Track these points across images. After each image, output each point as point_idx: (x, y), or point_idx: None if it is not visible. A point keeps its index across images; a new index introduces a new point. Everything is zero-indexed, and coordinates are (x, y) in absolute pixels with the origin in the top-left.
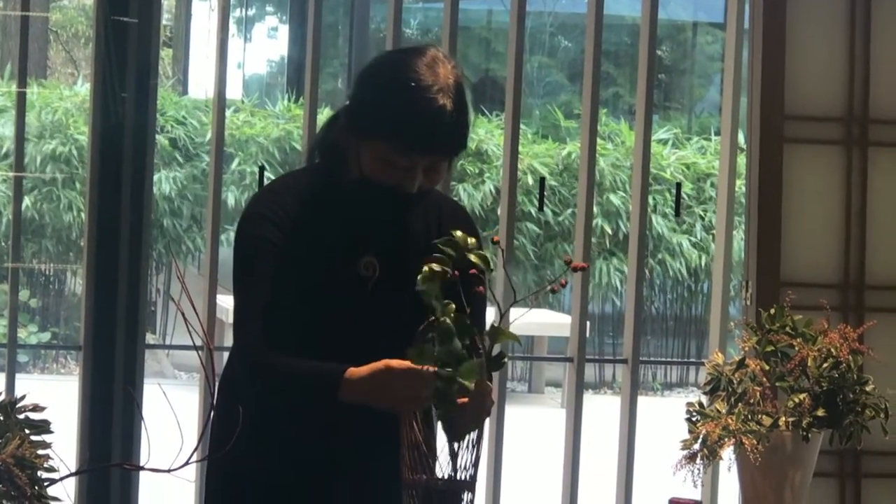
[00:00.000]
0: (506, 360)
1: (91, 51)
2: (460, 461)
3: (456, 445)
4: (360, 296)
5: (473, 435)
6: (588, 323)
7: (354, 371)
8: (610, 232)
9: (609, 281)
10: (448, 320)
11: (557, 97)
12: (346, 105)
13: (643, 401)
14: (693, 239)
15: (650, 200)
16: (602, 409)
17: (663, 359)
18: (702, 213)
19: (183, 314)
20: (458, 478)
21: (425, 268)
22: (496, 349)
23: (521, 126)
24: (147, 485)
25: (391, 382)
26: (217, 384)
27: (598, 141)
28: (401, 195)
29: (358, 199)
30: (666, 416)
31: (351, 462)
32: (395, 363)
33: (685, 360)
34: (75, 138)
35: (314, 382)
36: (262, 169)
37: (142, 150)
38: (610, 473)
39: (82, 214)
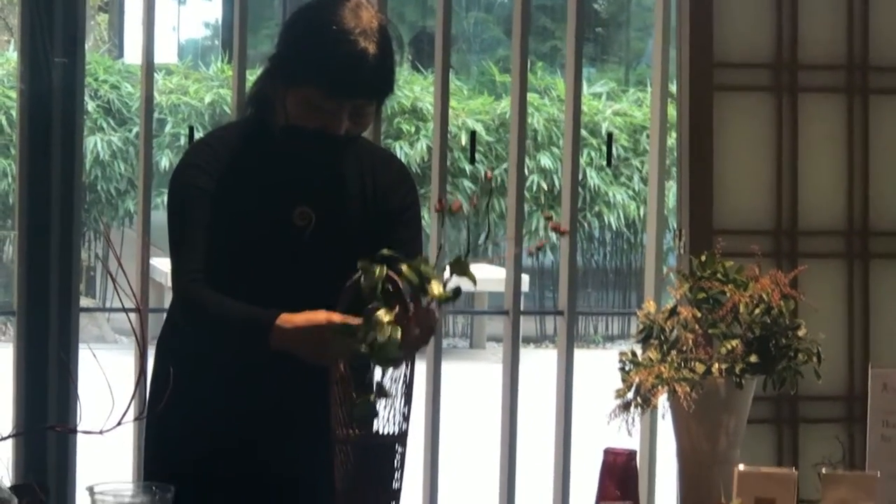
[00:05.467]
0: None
1: (19, 16)
2: (391, 414)
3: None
4: (296, 245)
5: (402, 385)
6: (527, 277)
7: (288, 318)
8: (546, 187)
9: (547, 235)
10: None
11: (494, 52)
12: (273, 54)
13: (585, 354)
14: (630, 192)
15: (586, 154)
16: (543, 363)
17: (601, 310)
18: (639, 166)
19: (111, 276)
20: (389, 432)
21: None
22: (453, 282)
23: (458, 82)
24: (85, 448)
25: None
26: (156, 344)
27: (534, 96)
28: (328, 140)
29: (287, 147)
30: (607, 369)
31: (280, 415)
32: (337, 317)
33: (622, 310)
34: (7, 105)
35: (246, 323)
36: (191, 129)
37: (71, 115)
38: (551, 426)
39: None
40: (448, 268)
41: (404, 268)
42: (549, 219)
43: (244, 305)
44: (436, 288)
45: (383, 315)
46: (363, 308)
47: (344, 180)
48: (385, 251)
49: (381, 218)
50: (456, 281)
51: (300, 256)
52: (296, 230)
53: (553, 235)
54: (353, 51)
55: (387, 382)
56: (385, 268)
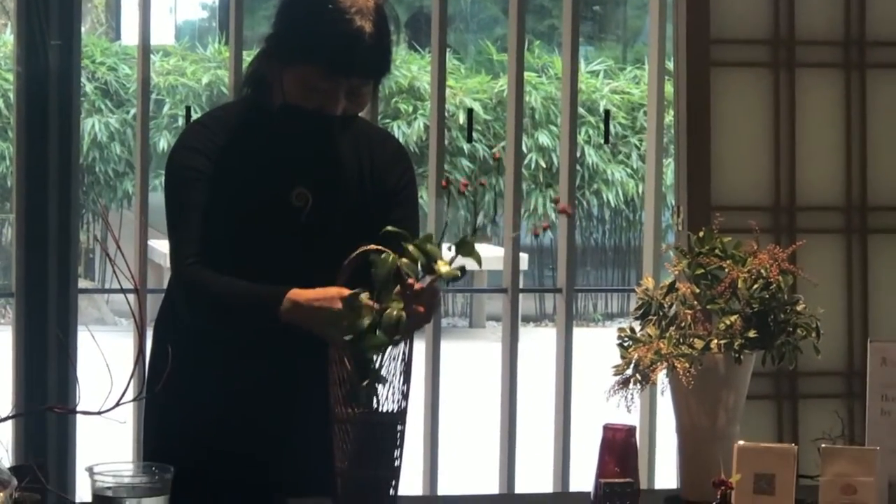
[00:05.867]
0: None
1: None
2: (391, 393)
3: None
4: (293, 226)
5: (401, 364)
6: (526, 256)
7: (299, 292)
8: (544, 165)
9: (546, 213)
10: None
11: (492, 31)
12: (269, 34)
13: (585, 332)
14: (629, 170)
15: (584, 132)
16: (542, 341)
17: (601, 288)
18: (637, 143)
19: (110, 257)
20: (388, 410)
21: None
22: (458, 262)
23: (455, 61)
24: (85, 429)
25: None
26: (153, 325)
27: (532, 74)
28: (325, 120)
29: (284, 128)
30: (606, 346)
31: (279, 394)
32: (348, 293)
33: (621, 288)
34: (4, 88)
35: (254, 298)
36: (188, 110)
37: (68, 97)
38: (551, 403)
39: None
40: (454, 248)
41: (409, 247)
42: (555, 202)
43: (247, 283)
44: (442, 266)
45: (397, 305)
46: (361, 287)
47: (341, 160)
48: (389, 228)
49: (378, 198)
50: (461, 261)
51: (298, 237)
52: (293, 211)
53: (553, 215)
54: (349, 29)
55: (386, 360)
56: (396, 256)
